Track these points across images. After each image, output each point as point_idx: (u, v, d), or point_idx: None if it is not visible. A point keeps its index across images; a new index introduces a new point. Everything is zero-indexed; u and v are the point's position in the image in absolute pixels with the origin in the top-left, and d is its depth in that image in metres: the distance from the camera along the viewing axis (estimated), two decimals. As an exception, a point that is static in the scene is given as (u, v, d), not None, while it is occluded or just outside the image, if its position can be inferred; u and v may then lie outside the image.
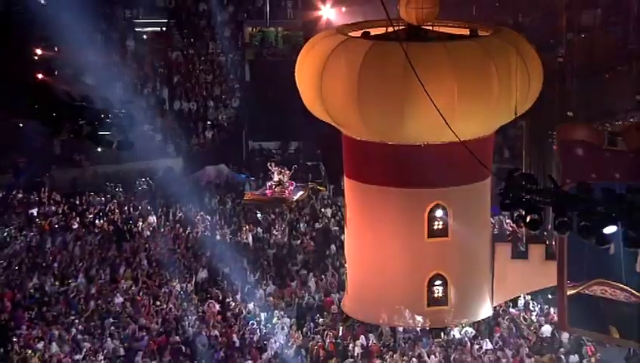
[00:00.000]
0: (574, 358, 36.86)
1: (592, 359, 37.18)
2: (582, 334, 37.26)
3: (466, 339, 37.66)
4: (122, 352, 36.77)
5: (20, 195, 48.27)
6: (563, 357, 36.80)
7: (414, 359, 36.47)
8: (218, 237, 45.15)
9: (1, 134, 50.65)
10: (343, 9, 51.21)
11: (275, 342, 37.49)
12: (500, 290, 38.81)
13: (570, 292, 36.52)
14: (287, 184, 47.06)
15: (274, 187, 47.13)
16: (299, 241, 44.74)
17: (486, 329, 38.50)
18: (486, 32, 38.26)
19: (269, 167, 47.30)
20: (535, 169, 41.62)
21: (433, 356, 36.66)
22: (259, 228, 46.10)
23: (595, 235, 27.09)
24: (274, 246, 44.41)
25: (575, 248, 35.82)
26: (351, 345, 37.40)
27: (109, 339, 37.29)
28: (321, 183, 48.48)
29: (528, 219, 27.73)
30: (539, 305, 39.71)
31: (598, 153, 35.06)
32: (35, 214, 47.04)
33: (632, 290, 35.35)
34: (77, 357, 36.41)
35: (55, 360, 36.15)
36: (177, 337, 37.54)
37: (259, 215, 46.96)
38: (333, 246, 43.57)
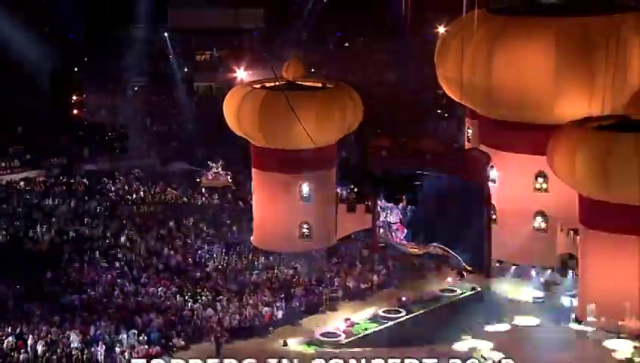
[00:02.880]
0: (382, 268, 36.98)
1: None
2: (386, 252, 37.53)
3: (319, 256, 37.53)
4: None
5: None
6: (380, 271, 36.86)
7: (291, 269, 36.35)
8: (180, 202, 44.41)
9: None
10: (250, 72, 50.50)
11: (213, 262, 37.02)
12: (341, 230, 38.77)
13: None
14: (222, 173, 46.54)
15: (213, 175, 46.53)
16: (227, 204, 44.14)
17: (334, 250, 38.42)
18: (331, 85, 38.35)
19: (209, 162, 46.65)
20: (359, 163, 41.59)
21: (301, 266, 36.51)
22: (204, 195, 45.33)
23: (393, 199, 27.48)
24: (213, 206, 43.76)
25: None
26: (256, 262, 37.12)
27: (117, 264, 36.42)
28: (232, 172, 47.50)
29: (356, 190, 27.99)
30: (362, 239, 39.57)
31: (394, 154, 35.51)
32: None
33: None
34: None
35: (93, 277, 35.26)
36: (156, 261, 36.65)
37: (203, 190, 46.18)
38: (244, 205, 42.91)
